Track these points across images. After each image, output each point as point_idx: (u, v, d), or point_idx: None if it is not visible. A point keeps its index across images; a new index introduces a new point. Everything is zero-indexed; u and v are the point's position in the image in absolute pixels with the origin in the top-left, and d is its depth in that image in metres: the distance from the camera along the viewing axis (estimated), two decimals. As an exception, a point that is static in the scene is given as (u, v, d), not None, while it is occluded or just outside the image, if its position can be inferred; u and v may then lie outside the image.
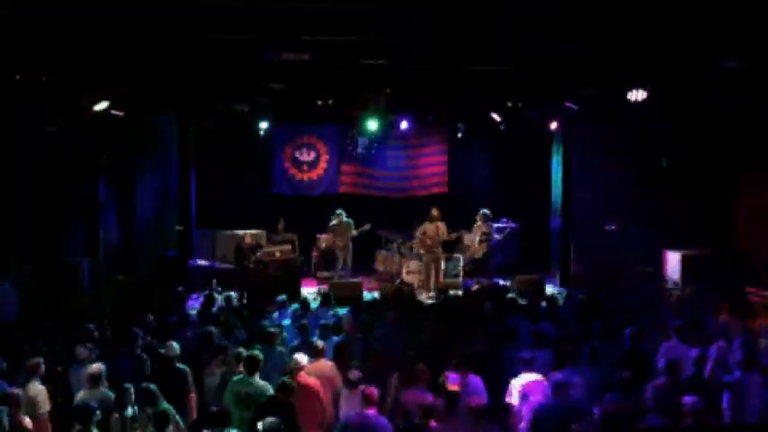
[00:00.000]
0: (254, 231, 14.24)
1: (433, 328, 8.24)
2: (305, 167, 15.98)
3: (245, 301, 11.91)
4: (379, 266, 14.53)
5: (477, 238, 13.58)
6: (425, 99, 13.03)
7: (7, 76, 8.85)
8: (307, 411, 6.29)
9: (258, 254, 12.62)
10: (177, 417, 6.03)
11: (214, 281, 13.34)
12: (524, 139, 14.73)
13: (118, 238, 12.67)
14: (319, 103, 12.30)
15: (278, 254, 12.75)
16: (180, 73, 10.23)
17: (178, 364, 6.90)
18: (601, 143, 13.57)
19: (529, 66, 9.76)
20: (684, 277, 11.39)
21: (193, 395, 6.74)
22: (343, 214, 13.77)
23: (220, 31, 7.95)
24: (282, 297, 9.76)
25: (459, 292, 12.30)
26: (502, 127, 13.45)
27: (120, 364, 7.06)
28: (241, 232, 14.16)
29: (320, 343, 7.25)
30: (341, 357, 7.18)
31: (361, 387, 5.99)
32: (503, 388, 6.57)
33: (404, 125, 14.08)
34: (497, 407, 6.30)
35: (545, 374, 6.55)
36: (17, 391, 5.97)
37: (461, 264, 13.88)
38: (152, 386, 6.03)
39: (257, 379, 6.40)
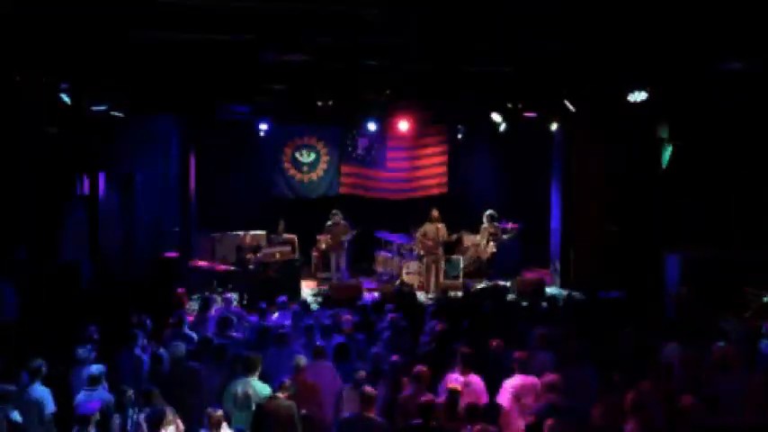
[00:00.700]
0: (254, 232, 14.24)
1: (433, 328, 8.23)
2: (305, 168, 15.96)
3: (245, 302, 11.92)
4: (379, 267, 14.53)
5: (485, 240, 13.59)
6: (425, 99, 13.02)
7: (7, 76, 8.84)
8: (307, 412, 6.28)
9: (258, 255, 12.62)
10: (178, 418, 6.02)
11: (214, 282, 13.35)
12: (524, 139, 14.73)
13: (118, 238, 12.67)
14: (319, 104, 12.30)
15: (278, 255, 12.76)
16: (180, 73, 10.23)
17: (190, 362, 6.90)
18: (601, 143, 13.57)
19: (529, 66, 9.76)
20: (684, 278, 11.38)
21: None
22: (340, 215, 13.76)
23: (220, 31, 7.95)
24: (283, 298, 9.76)
25: (460, 293, 12.30)
26: (502, 127, 13.44)
27: (119, 364, 7.06)
28: (241, 233, 14.17)
29: (320, 343, 7.25)
30: (341, 358, 7.18)
31: (361, 387, 5.98)
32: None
33: (404, 125, 14.10)
34: (495, 407, 6.31)
35: (544, 375, 6.53)
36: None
37: (461, 265, 13.88)
38: (152, 387, 6.03)
39: (257, 379, 6.40)
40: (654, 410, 5.72)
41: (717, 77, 9.50)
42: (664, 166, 12.22)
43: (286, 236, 14.14)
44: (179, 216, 14.44)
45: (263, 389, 6.32)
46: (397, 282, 13.39)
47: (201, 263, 13.53)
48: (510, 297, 12.07)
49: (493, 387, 6.56)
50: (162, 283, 11.75)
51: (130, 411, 5.98)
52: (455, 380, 6.39)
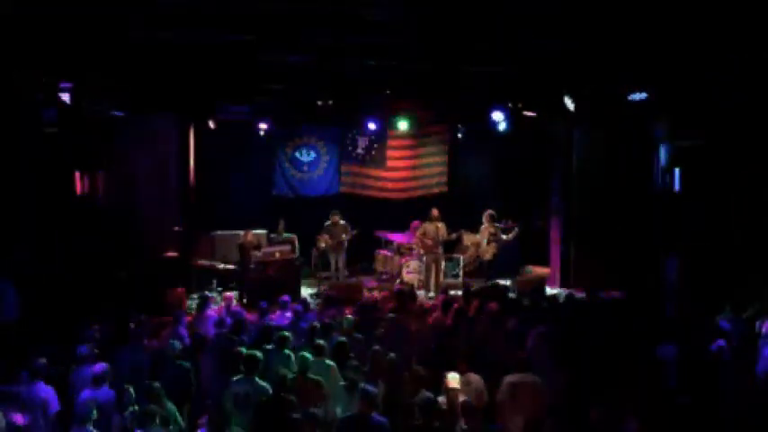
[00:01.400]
0: (255, 231, 14.23)
1: (434, 327, 8.24)
2: (305, 168, 15.96)
3: (244, 301, 11.92)
4: (379, 266, 14.53)
5: (486, 240, 13.59)
6: (425, 99, 13.03)
7: (7, 76, 8.84)
8: (307, 411, 6.27)
9: (258, 254, 12.62)
10: (178, 416, 6.03)
11: (214, 281, 13.34)
12: (524, 139, 14.73)
13: (118, 237, 12.66)
14: (319, 103, 12.31)
15: (278, 254, 12.76)
16: (180, 73, 10.24)
17: (180, 362, 6.90)
18: (601, 143, 13.57)
19: (529, 66, 9.77)
20: (684, 277, 11.39)
21: None
22: (339, 215, 13.75)
23: (220, 31, 7.95)
24: (286, 297, 9.76)
25: (459, 293, 12.30)
26: (502, 127, 13.44)
27: (119, 363, 7.06)
28: (241, 232, 14.15)
29: (320, 342, 7.26)
30: (341, 357, 7.19)
31: (361, 386, 5.99)
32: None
33: (404, 125, 14.08)
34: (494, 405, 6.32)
35: (541, 373, 6.54)
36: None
37: (461, 264, 13.87)
38: (155, 384, 6.04)
39: (257, 379, 6.41)
40: (652, 410, 5.72)
41: (717, 77, 9.50)
42: (664, 166, 12.22)
43: (286, 235, 14.14)
44: (179, 216, 14.43)
45: (263, 388, 6.32)
46: (397, 281, 13.40)
47: (202, 262, 13.54)
48: (510, 296, 12.05)
49: (490, 386, 6.56)
50: (162, 282, 11.74)
51: (131, 410, 5.99)
52: (454, 379, 6.39)
